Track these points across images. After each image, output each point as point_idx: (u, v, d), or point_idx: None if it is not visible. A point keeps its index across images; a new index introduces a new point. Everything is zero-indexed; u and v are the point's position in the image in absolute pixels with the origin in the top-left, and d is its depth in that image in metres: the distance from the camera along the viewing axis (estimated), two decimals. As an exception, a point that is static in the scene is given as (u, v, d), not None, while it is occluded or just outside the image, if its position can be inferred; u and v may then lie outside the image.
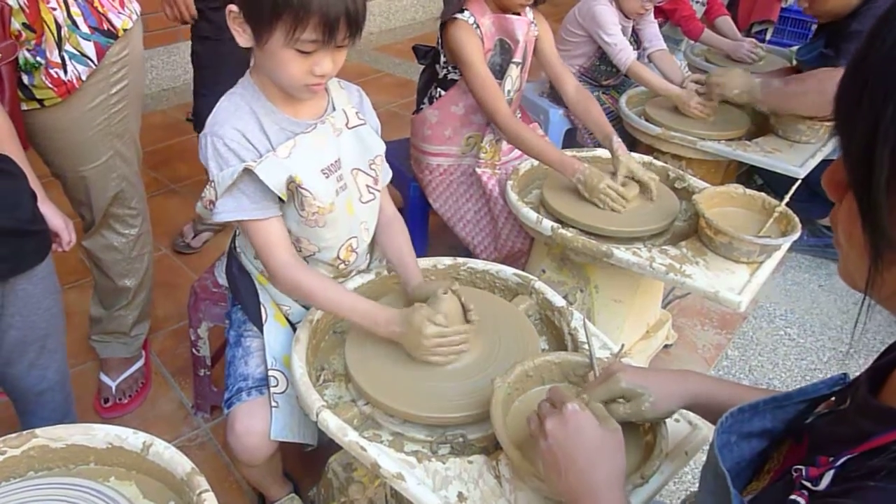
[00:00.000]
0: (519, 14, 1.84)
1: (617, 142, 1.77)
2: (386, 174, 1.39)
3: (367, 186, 1.31)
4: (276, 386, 1.26)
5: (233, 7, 1.09)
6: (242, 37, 1.11)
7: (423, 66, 2.08)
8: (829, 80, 2.00)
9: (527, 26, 1.86)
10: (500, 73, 1.87)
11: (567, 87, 1.98)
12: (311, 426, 1.27)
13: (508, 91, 1.88)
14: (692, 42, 3.26)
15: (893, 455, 0.53)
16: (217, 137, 1.14)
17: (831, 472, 0.57)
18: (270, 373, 1.27)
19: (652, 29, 2.69)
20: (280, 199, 1.18)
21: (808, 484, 0.58)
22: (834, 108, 0.55)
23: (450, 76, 1.91)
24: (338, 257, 1.31)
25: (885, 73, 0.49)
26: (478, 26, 1.79)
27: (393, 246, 1.38)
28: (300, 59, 1.08)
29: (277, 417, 1.24)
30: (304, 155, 1.17)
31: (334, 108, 1.26)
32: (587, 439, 0.81)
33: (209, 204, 1.20)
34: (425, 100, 2.00)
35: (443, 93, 1.93)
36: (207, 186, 1.19)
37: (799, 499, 0.57)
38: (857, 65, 0.52)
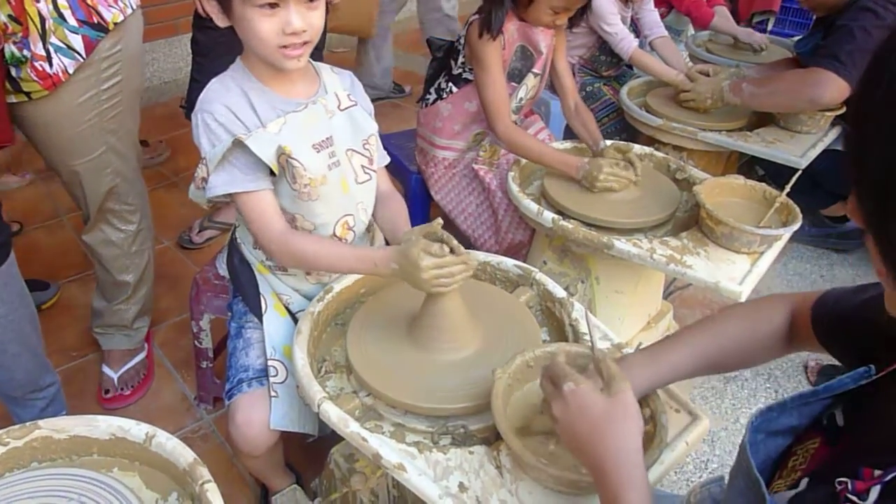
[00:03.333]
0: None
1: (603, 143, 1.86)
2: (382, 157, 1.40)
3: (363, 167, 1.32)
4: (275, 376, 1.26)
5: None
6: (219, 17, 1.14)
7: (430, 58, 2.08)
8: (795, 80, 2.06)
9: (550, 38, 1.86)
10: (518, 77, 1.88)
11: (568, 101, 1.99)
12: (312, 416, 1.27)
13: (521, 98, 1.89)
14: (693, 33, 3.25)
15: None
16: (207, 114, 1.17)
17: (878, 487, 0.56)
18: (270, 363, 1.27)
19: (652, 16, 2.68)
20: (272, 172, 1.19)
21: (854, 498, 0.57)
22: (844, 147, 0.56)
23: (464, 75, 1.90)
24: (334, 234, 1.31)
25: (888, 114, 0.49)
26: (501, 31, 1.78)
27: (387, 216, 1.39)
28: (266, 17, 1.09)
29: (277, 407, 1.24)
30: (295, 131, 1.19)
31: (326, 91, 1.28)
32: (589, 416, 0.80)
33: (202, 182, 1.21)
34: (432, 90, 2.00)
35: (454, 88, 1.92)
36: (200, 165, 1.20)
37: None
38: (858, 107, 0.52)
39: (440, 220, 1.17)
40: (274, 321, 1.33)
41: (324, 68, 1.32)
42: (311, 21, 1.12)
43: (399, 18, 5.21)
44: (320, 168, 1.22)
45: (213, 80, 1.22)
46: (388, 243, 1.47)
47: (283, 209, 1.25)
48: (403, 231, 1.30)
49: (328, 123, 1.25)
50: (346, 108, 1.29)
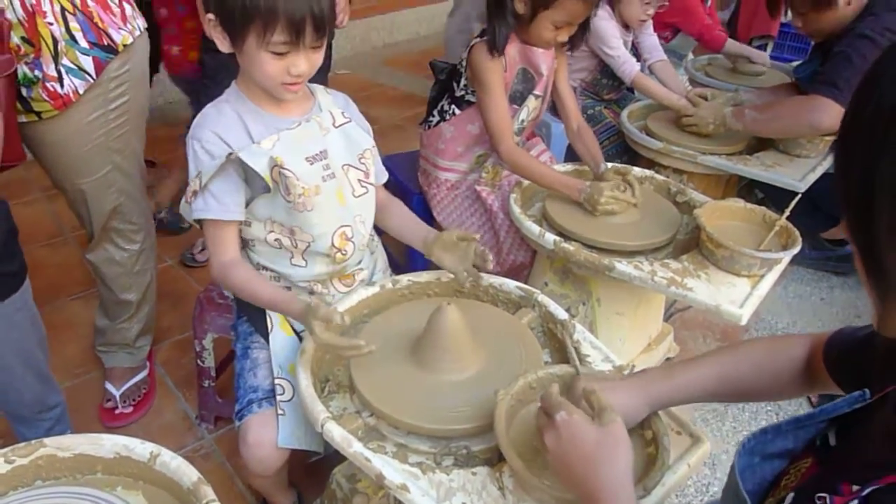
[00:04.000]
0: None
1: (604, 166, 1.88)
2: (381, 173, 1.45)
3: (360, 181, 1.35)
4: (282, 394, 1.27)
5: (210, 15, 1.17)
6: (223, 43, 1.19)
7: (433, 80, 2.11)
8: (795, 107, 2.10)
9: (551, 60, 1.89)
10: (519, 100, 1.90)
11: (571, 122, 2.03)
12: (318, 434, 1.28)
13: (522, 120, 1.91)
14: (692, 58, 3.28)
15: None
16: (196, 140, 1.23)
17: (856, 502, 0.57)
18: (276, 381, 1.28)
19: (651, 41, 2.72)
20: (267, 189, 1.23)
21: None
22: (833, 162, 0.57)
23: (467, 97, 1.92)
24: (333, 245, 1.32)
25: (875, 130, 0.51)
26: (504, 52, 1.80)
27: (395, 219, 1.48)
28: (275, 60, 1.16)
29: (284, 425, 1.25)
30: (288, 145, 1.23)
31: (321, 110, 1.32)
32: (580, 447, 0.81)
33: (191, 197, 1.25)
34: (435, 112, 2.02)
35: (457, 110, 1.94)
36: (192, 180, 1.25)
37: None
38: (848, 123, 0.54)
39: (476, 237, 1.32)
40: (280, 340, 1.34)
41: (318, 89, 1.36)
42: (314, 63, 1.20)
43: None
44: (313, 178, 1.25)
45: (209, 106, 1.27)
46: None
47: (281, 223, 1.28)
48: (422, 230, 1.42)
49: (322, 139, 1.29)
50: (341, 125, 1.33)
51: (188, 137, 1.25)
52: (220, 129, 1.22)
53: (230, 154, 1.19)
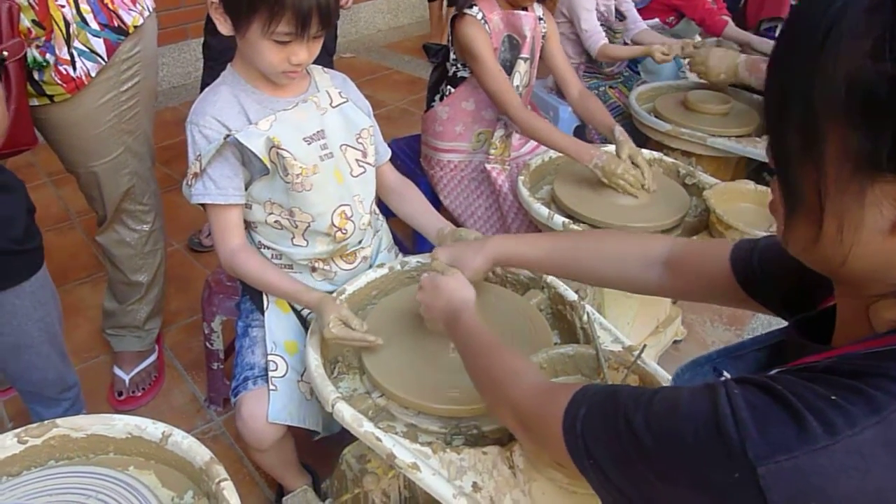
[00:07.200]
0: (526, 10, 1.86)
1: (619, 129, 1.81)
2: (384, 152, 1.45)
3: (357, 161, 1.35)
4: (275, 370, 1.29)
5: None
6: (224, 26, 1.19)
7: (433, 65, 2.10)
8: None
9: (534, 21, 1.88)
10: (509, 69, 1.88)
11: (571, 89, 2.01)
12: (313, 411, 1.30)
13: (517, 87, 1.89)
14: (700, 39, 3.25)
15: (810, 366, 0.56)
16: (194, 125, 1.23)
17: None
18: (270, 357, 1.30)
19: (633, 13, 2.75)
20: (266, 170, 1.23)
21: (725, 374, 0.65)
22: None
23: (459, 73, 1.92)
24: (332, 224, 1.32)
25: (798, 50, 0.53)
26: (486, 22, 1.80)
27: (408, 205, 1.47)
28: (277, 48, 1.16)
29: (275, 400, 1.26)
30: (285, 126, 1.24)
31: (318, 90, 1.32)
32: (440, 286, 1.08)
33: (192, 179, 1.25)
34: (436, 97, 2.01)
35: (452, 90, 1.94)
36: (191, 163, 1.25)
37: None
38: (777, 42, 0.56)
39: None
40: (275, 317, 1.35)
41: (315, 69, 1.35)
42: (314, 52, 1.20)
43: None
44: (311, 158, 1.25)
45: (206, 90, 1.27)
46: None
47: (280, 205, 1.28)
48: (436, 221, 1.41)
49: (320, 119, 1.29)
50: (339, 105, 1.33)
51: (187, 122, 1.25)
52: (218, 112, 1.22)
53: (227, 136, 1.19)
